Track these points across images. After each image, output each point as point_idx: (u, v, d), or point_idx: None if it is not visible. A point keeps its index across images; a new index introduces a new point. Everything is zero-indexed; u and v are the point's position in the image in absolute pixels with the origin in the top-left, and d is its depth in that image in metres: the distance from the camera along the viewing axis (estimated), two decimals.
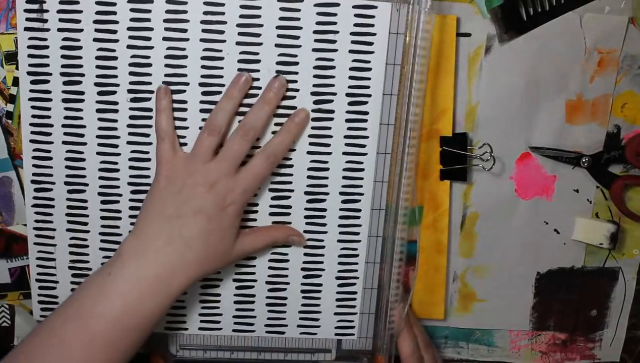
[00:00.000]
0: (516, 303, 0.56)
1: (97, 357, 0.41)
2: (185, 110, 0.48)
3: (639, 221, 0.54)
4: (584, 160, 0.52)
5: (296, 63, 0.48)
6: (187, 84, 0.48)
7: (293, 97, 0.48)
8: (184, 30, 0.47)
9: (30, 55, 0.47)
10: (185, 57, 0.47)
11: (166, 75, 0.47)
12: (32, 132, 0.48)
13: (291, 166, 0.50)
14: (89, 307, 0.41)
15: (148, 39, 0.47)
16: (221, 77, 0.47)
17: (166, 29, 0.47)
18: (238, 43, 0.47)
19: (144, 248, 0.43)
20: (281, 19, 0.47)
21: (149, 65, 0.47)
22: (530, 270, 0.55)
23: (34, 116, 0.48)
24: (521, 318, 0.57)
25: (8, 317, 0.54)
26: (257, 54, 0.47)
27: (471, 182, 0.53)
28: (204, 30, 0.47)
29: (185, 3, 0.46)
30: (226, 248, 0.46)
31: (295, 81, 0.48)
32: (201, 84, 0.48)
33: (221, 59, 0.47)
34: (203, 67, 0.47)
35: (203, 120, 0.48)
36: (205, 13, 0.47)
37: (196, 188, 0.44)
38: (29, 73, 0.47)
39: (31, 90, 0.48)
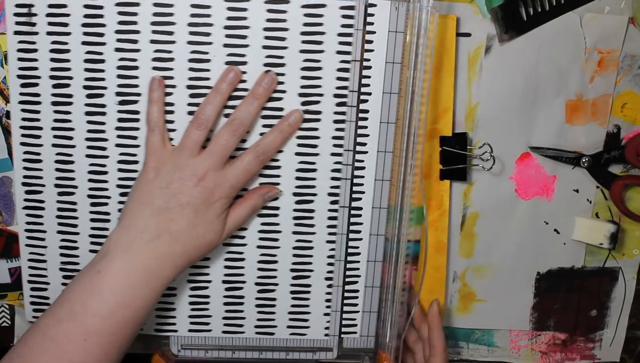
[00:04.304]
0: (516, 303, 0.56)
1: (93, 354, 0.41)
2: (172, 112, 0.48)
3: (639, 221, 0.54)
4: (584, 160, 0.52)
5: (283, 65, 0.47)
6: (174, 86, 0.47)
7: (280, 98, 0.48)
8: (171, 33, 0.47)
9: (19, 59, 0.47)
10: (172, 59, 0.47)
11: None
12: (22, 135, 0.48)
13: (279, 167, 0.50)
14: (81, 306, 0.41)
15: (135, 42, 0.47)
16: (208, 79, 0.47)
17: (153, 32, 0.47)
18: (225, 45, 0.47)
19: (132, 241, 0.43)
20: (268, 20, 0.47)
21: (137, 68, 0.47)
22: (530, 270, 0.55)
23: (23, 119, 0.48)
24: (521, 318, 0.57)
25: (8, 317, 0.54)
26: (244, 55, 0.47)
27: (471, 182, 0.53)
28: (191, 33, 0.47)
29: (172, 6, 0.46)
30: (212, 238, 0.46)
31: (283, 83, 0.48)
32: (189, 86, 0.47)
33: (208, 61, 0.47)
34: (190, 69, 0.47)
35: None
36: (192, 15, 0.46)
37: (184, 182, 0.44)
38: (18, 76, 0.47)
39: (21, 93, 0.48)
